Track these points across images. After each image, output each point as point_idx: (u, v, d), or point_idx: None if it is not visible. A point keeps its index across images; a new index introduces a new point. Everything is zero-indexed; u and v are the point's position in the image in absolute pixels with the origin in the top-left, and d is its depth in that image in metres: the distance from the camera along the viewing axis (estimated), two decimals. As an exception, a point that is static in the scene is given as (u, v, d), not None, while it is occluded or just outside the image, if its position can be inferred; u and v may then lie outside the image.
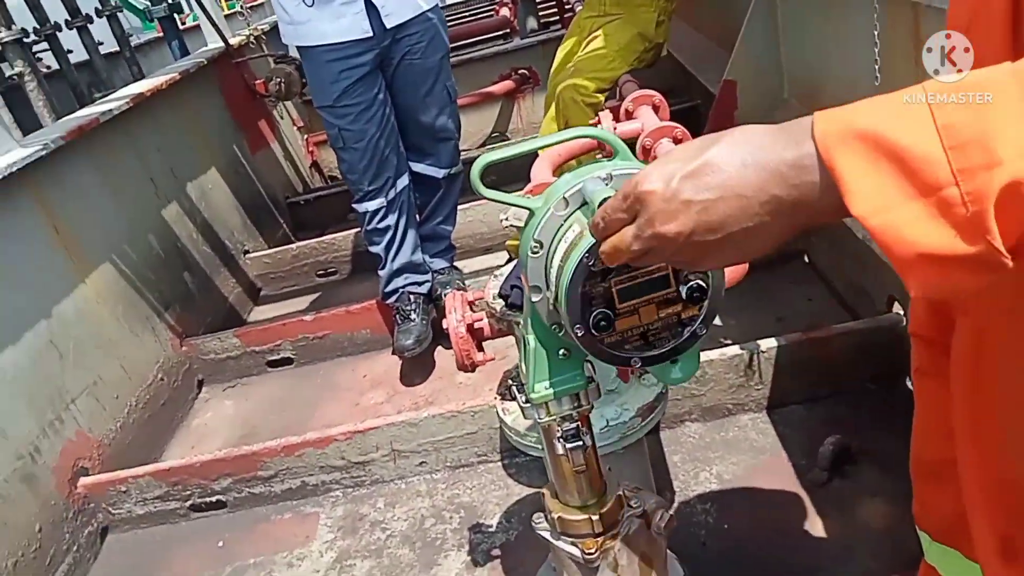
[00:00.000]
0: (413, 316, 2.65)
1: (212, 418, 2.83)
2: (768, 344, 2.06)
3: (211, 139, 3.78)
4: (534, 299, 0.81)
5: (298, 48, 2.52)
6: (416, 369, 2.73)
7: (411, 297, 2.68)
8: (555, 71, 3.15)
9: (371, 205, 2.57)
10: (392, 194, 2.57)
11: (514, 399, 0.89)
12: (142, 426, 2.62)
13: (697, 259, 0.63)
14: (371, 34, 2.37)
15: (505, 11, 6.10)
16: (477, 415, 2.12)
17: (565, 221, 0.78)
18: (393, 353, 2.75)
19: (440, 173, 2.72)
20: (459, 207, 2.96)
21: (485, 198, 0.79)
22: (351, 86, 2.41)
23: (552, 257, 0.78)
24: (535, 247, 0.79)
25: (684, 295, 0.74)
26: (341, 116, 2.45)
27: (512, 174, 2.80)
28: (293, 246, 3.67)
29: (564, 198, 0.77)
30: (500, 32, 5.94)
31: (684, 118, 3.30)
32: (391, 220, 2.59)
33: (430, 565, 1.93)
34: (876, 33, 1.62)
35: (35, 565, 2.05)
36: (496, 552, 1.91)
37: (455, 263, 3.00)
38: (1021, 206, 0.48)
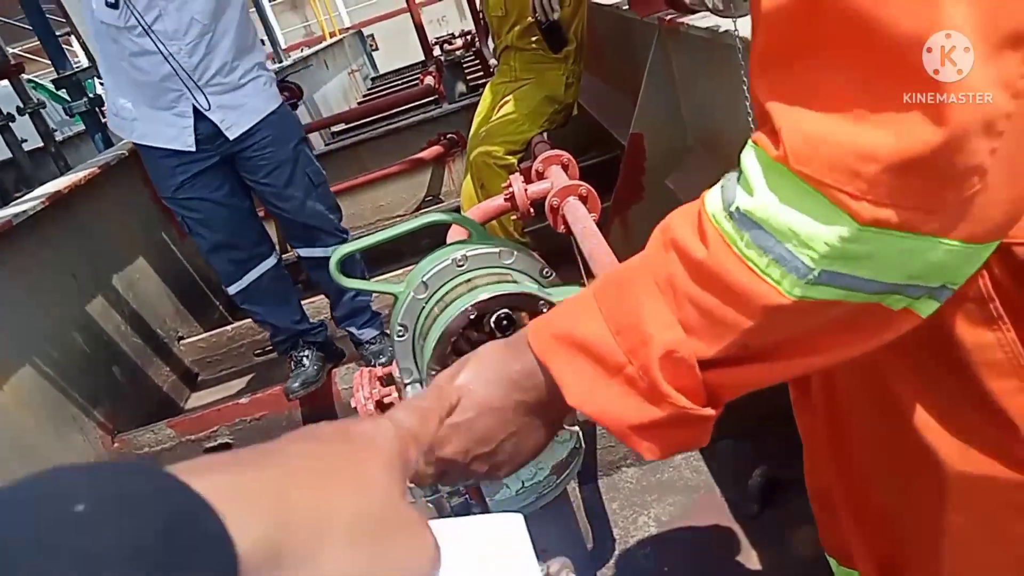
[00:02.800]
0: (305, 362, 2.65)
1: (151, 514, 2.75)
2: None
3: (137, 229, 3.76)
4: (405, 380, 0.84)
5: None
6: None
7: (300, 342, 2.69)
8: (472, 136, 3.25)
9: (231, 289, 2.56)
10: (246, 282, 2.52)
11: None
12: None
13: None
14: (193, 149, 2.31)
15: (429, 79, 6.25)
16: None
17: (426, 303, 0.82)
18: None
19: (331, 254, 2.73)
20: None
21: (346, 287, 0.83)
22: (188, 180, 2.35)
23: (422, 329, 0.81)
24: (400, 331, 0.82)
25: None
26: (181, 207, 2.41)
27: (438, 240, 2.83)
28: (229, 328, 3.64)
29: (423, 282, 0.82)
30: (430, 99, 6.07)
31: (603, 171, 3.41)
32: (251, 306, 2.59)
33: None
34: (745, 88, 1.72)
35: None
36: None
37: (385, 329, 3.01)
38: (681, 368, 0.55)
